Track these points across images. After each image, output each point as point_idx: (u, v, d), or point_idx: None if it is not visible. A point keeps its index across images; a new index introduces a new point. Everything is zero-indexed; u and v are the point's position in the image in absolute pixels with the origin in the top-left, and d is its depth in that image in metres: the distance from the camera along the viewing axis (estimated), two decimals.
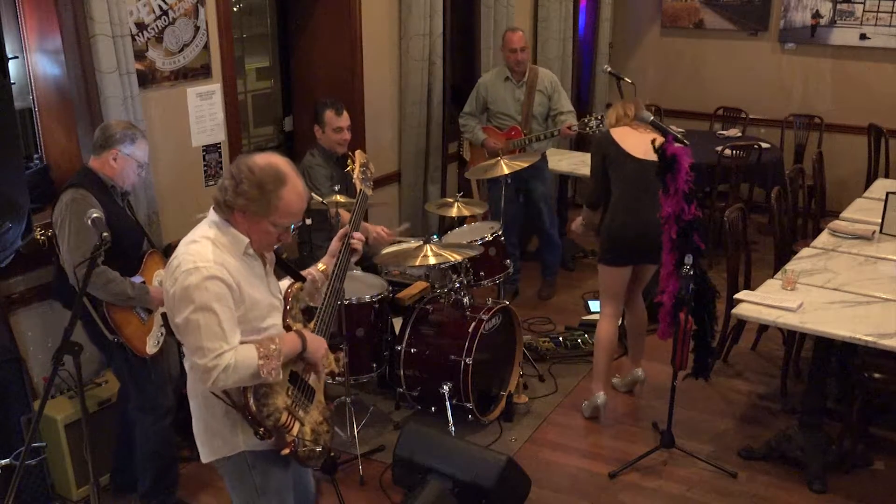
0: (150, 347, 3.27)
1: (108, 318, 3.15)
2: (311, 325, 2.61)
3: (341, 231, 2.74)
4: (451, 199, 4.61)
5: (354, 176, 3.01)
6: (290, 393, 2.44)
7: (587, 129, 5.07)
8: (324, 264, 2.73)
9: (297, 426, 2.43)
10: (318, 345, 2.50)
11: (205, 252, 2.29)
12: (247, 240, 2.36)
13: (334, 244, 2.73)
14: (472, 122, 5.55)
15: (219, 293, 2.26)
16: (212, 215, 2.38)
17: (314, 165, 4.29)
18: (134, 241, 3.30)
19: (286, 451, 2.42)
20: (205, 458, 2.53)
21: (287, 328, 2.50)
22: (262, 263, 2.47)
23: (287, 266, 2.64)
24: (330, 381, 4.02)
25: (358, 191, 2.97)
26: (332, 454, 3.78)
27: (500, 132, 5.44)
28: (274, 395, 2.37)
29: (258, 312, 2.39)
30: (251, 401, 2.32)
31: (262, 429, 2.35)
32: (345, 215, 4.12)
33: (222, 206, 2.33)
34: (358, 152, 3.09)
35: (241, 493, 2.58)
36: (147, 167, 3.37)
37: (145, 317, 3.26)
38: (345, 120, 4.31)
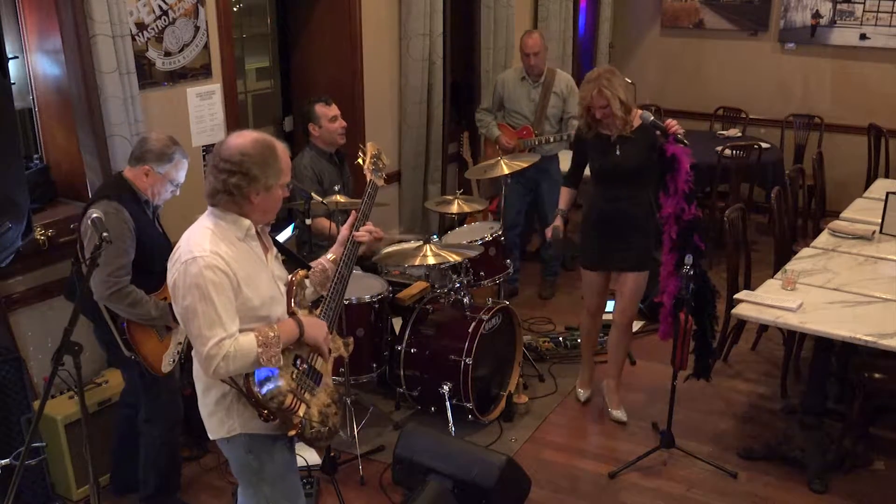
0: (166, 366, 3.24)
1: (126, 335, 3.13)
2: (318, 311, 2.65)
3: (350, 219, 2.79)
4: (451, 197, 4.61)
5: (365, 167, 2.99)
6: (294, 376, 2.48)
7: None
8: (333, 253, 2.78)
9: (302, 408, 2.47)
10: (316, 329, 2.54)
11: (202, 241, 2.34)
12: (248, 222, 2.42)
13: (343, 232, 2.79)
14: (488, 118, 5.59)
15: (216, 282, 2.30)
16: (211, 210, 2.43)
17: (300, 170, 4.29)
18: (162, 254, 3.24)
19: (293, 432, 2.46)
20: (210, 435, 2.59)
21: (292, 315, 2.53)
22: (263, 247, 2.52)
23: (291, 254, 2.67)
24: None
25: (368, 181, 2.95)
26: (333, 454, 3.78)
27: (513, 130, 5.47)
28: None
29: (259, 300, 2.42)
30: (253, 385, 2.37)
31: (265, 411, 2.40)
32: (325, 222, 4.14)
33: (238, 201, 2.38)
34: (370, 144, 3.06)
35: (242, 476, 2.63)
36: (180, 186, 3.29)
37: (163, 334, 3.22)
38: (335, 108, 4.36)
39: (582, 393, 4.51)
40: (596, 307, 4.31)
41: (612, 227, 4.01)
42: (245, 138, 2.38)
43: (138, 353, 3.15)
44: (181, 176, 3.22)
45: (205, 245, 2.33)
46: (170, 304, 3.15)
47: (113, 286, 3.01)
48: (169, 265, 2.40)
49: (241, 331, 2.36)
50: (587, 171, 4.17)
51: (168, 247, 3.30)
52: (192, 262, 2.30)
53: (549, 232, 4.22)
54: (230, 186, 2.35)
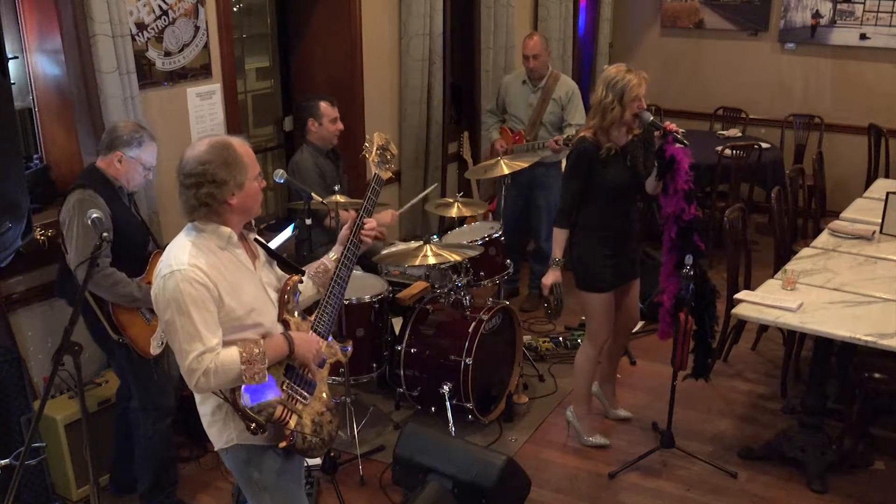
0: (154, 348, 3.27)
1: (113, 318, 3.16)
2: (313, 316, 2.60)
3: (352, 219, 2.69)
4: (451, 199, 4.61)
5: (370, 159, 2.84)
6: (285, 387, 2.44)
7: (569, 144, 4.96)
8: (335, 253, 2.70)
9: (294, 419, 2.43)
10: (307, 345, 2.49)
11: (181, 255, 2.32)
12: (228, 231, 2.39)
13: (344, 232, 2.70)
14: (490, 120, 5.58)
15: (193, 295, 2.28)
16: (191, 224, 2.40)
17: (305, 166, 4.28)
18: (140, 241, 3.30)
19: (283, 444, 2.43)
20: (214, 445, 2.56)
21: (284, 322, 2.50)
22: (250, 254, 2.48)
23: (283, 259, 2.64)
24: (330, 381, 4.04)
25: (372, 174, 2.80)
26: (333, 454, 3.78)
27: (511, 134, 5.44)
28: None
29: (243, 309, 2.39)
30: (239, 398, 2.34)
31: (253, 424, 2.36)
32: (345, 216, 4.11)
33: (216, 210, 2.35)
34: (376, 134, 2.91)
35: (244, 486, 2.60)
36: (154, 169, 3.35)
37: (150, 317, 3.26)
38: (337, 111, 4.39)
39: (595, 440, 4.14)
40: (609, 331, 3.98)
41: (626, 241, 3.86)
42: (199, 148, 2.34)
43: (126, 335, 3.18)
44: (152, 159, 3.27)
45: (183, 258, 2.30)
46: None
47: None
48: (153, 280, 2.39)
49: (228, 342, 2.33)
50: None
51: (146, 233, 3.36)
52: (169, 276, 2.29)
53: (546, 287, 3.84)
54: (204, 198, 2.31)
